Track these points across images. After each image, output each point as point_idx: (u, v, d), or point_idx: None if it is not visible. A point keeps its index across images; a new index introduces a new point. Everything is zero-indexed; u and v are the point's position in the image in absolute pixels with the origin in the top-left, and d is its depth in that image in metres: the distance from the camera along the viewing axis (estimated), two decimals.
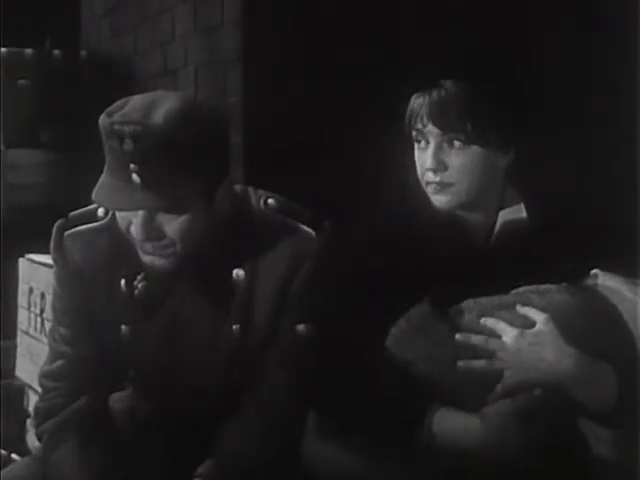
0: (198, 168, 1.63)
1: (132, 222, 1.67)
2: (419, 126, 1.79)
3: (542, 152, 1.87)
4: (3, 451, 2.77)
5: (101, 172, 1.67)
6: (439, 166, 1.78)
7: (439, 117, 1.77)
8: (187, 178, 1.62)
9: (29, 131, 4.15)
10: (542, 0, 3.37)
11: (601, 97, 3.21)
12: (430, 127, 1.78)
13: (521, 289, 1.78)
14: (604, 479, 1.74)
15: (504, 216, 1.87)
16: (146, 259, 1.70)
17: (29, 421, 3.09)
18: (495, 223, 1.87)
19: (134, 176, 1.59)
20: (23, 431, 3.14)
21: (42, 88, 4.20)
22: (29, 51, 4.24)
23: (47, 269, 2.98)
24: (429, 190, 1.81)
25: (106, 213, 1.79)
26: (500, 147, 1.80)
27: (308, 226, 1.78)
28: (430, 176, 1.80)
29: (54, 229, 1.82)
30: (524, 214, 1.88)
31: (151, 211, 1.65)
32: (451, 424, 1.71)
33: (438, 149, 1.78)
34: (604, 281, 1.79)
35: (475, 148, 1.78)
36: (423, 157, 1.80)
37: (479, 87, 1.78)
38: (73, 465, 1.76)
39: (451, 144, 1.78)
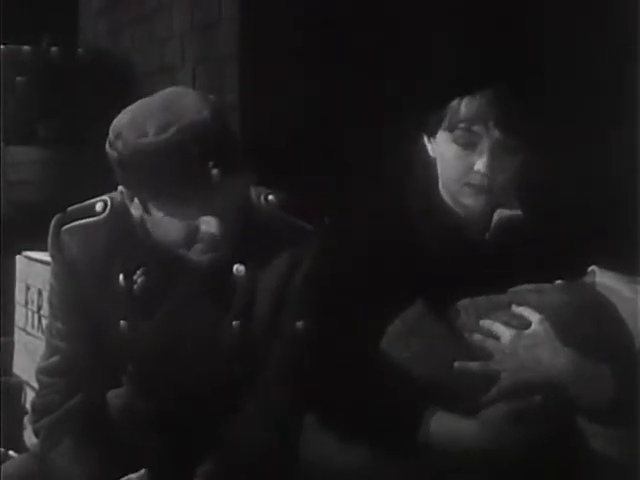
0: (240, 152, 1.67)
1: (199, 224, 1.67)
2: (476, 128, 1.75)
3: (546, 154, 1.87)
4: (1, 448, 2.77)
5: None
6: (493, 170, 1.76)
7: (506, 122, 1.74)
8: (244, 161, 1.66)
9: (27, 128, 4.14)
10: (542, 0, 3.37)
11: (601, 97, 3.21)
12: (493, 131, 1.75)
13: (518, 288, 1.78)
14: (602, 477, 1.75)
15: (500, 213, 1.87)
16: (202, 257, 1.71)
17: (26, 418, 3.09)
18: (490, 220, 1.87)
19: (214, 172, 1.59)
20: (21, 428, 3.14)
21: (40, 85, 4.20)
22: (27, 48, 4.23)
23: (44, 266, 2.98)
24: (467, 191, 1.79)
25: (104, 208, 1.79)
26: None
27: (308, 222, 1.78)
28: (478, 178, 1.77)
29: (52, 224, 1.82)
30: (519, 210, 1.88)
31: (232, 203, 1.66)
32: (448, 428, 1.70)
33: (494, 153, 1.76)
34: (602, 278, 1.79)
35: (521, 153, 1.78)
36: (469, 159, 1.77)
37: (526, 91, 1.78)
38: (70, 462, 1.76)
39: (505, 148, 1.76)
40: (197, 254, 1.70)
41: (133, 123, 1.63)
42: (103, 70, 4.25)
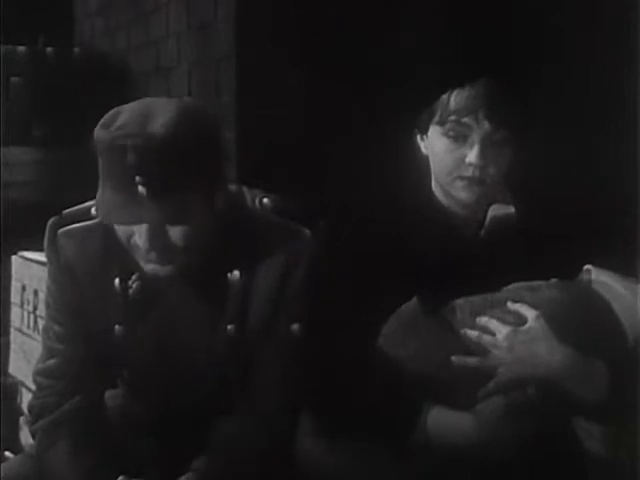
0: (200, 172, 1.63)
1: (134, 232, 1.67)
2: (465, 120, 1.77)
3: (539, 151, 1.88)
4: None
5: (92, 169, 1.66)
6: (485, 162, 1.77)
7: (496, 113, 1.75)
8: (191, 186, 1.62)
9: (22, 128, 4.14)
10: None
11: (601, 92, 3.21)
12: (483, 122, 1.76)
13: (512, 286, 1.79)
14: (597, 476, 1.75)
15: (494, 210, 1.88)
16: (148, 267, 1.70)
17: (22, 419, 3.09)
18: (485, 218, 1.88)
19: (140, 188, 1.58)
20: (16, 429, 3.13)
21: (35, 85, 4.19)
22: (22, 48, 4.23)
23: (40, 266, 2.97)
24: (459, 184, 1.80)
25: None
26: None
27: (303, 225, 1.78)
28: (470, 170, 1.78)
29: (47, 227, 1.82)
30: (513, 209, 1.89)
31: (158, 221, 1.64)
32: (445, 423, 1.72)
33: (485, 145, 1.77)
34: (597, 277, 1.80)
35: (513, 144, 1.79)
36: (460, 152, 1.78)
37: (516, 83, 1.79)
38: (67, 463, 1.76)
39: (495, 139, 1.78)
40: (147, 264, 1.71)
41: (114, 113, 1.64)
42: (99, 70, 4.25)
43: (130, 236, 1.68)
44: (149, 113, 1.62)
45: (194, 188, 1.62)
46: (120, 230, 1.69)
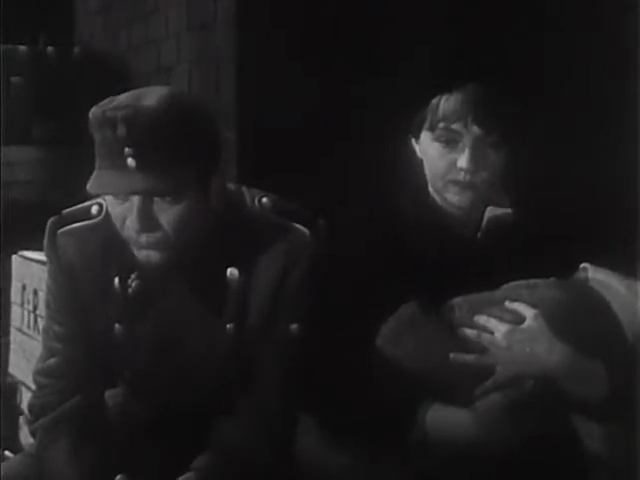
0: (190, 152, 1.64)
1: (127, 217, 1.67)
2: (455, 126, 1.77)
3: (537, 151, 1.88)
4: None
5: (92, 169, 1.67)
6: (476, 166, 1.78)
7: (484, 118, 1.76)
8: (180, 162, 1.63)
9: (23, 128, 4.14)
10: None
11: (600, 97, 3.21)
12: (472, 128, 1.76)
13: (511, 284, 1.79)
14: (597, 475, 1.75)
15: (491, 211, 1.88)
16: (141, 254, 1.70)
17: (22, 418, 3.09)
18: (482, 218, 1.88)
19: (129, 160, 1.60)
20: (16, 428, 3.13)
21: (36, 85, 4.19)
22: (23, 48, 4.24)
23: (40, 266, 2.98)
24: (452, 189, 1.81)
25: (99, 211, 1.80)
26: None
27: (302, 225, 1.78)
28: (461, 175, 1.79)
29: (47, 226, 1.82)
30: (510, 210, 1.89)
31: (147, 198, 1.65)
32: (444, 420, 1.72)
33: (476, 149, 1.77)
34: (594, 275, 1.80)
35: (505, 149, 1.79)
36: (450, 157, 1.79)
37: (507, 87, 1.79)
38: (67, 462, 1.76)
39: (486, 144, 1.78)
40: (139, 251, 1.70)
41: (110, 98, 1.66)
42: (99, 70, 4.25)
43: (124, 220, 1.68)
44: (144, 92, 1.64)
45: (183, 163, 1.63)
46: (116, 216, 1.69)
